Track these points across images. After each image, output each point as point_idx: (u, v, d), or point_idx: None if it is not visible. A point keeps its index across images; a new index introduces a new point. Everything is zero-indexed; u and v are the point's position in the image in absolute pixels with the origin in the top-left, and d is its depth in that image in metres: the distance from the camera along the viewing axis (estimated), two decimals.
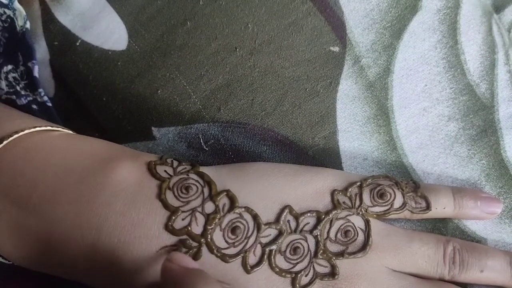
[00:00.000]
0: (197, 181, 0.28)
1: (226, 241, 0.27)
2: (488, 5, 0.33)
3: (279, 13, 0.32)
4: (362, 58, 0.31)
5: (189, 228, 0.27)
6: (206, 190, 0.28)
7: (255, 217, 0.27)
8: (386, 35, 0.32)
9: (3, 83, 0.33)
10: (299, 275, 0.27)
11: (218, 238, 0.27)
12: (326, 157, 0.31)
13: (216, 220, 0.27)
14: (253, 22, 0.32)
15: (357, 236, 0.28)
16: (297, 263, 0.27)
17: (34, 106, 0.33)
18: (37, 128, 0.29)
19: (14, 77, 0.34)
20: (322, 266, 0.27)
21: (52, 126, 0.30)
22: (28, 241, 0.27)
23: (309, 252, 0.27)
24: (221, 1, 0.32)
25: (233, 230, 0.27)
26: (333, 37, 0.32)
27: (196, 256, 0.26)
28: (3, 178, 0.28)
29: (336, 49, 0.32)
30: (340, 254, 0.27)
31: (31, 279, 0.33)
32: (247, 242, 0.27)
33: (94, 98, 0.33)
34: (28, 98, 0.33)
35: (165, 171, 0.28)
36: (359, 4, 0.32)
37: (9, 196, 0.27)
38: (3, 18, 0.33)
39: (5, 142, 0.28)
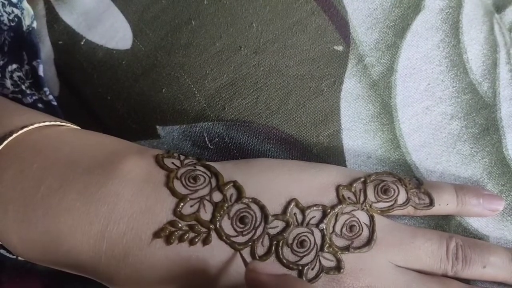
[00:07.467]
0: (204, 172, 0.28)
1: (235, 230, 0.27)
2: (489, 5, 0.33)
3: (283, 12, 0.32)
4: (365, 57, 0.32)
5: (198, 214, 0.27)
6: (213, 181, 0.28)
7: (262, 208, 0.27)
8: (389, 34, 0.32)
9: (8, 82, 0.33)
10: (305, 268, 0.27)
11: (226, 226, 0.27)
12: (330, 155, 0.31)
13: (225, 208, 0.27)
14: (257, 21, 0.32)
15: (362, 231, 0.28)
16: (304, 256, 0.27)
17: (40, 105, 0.33)
18: (46, 123, 0.29)
19: (19, 76, 0.34)
20: (328, 260, 0.27)
21: (61, 122, 0.30)
22: (35, 233, 0.27)
23: (315, 246, 0.27)
24: (226, 0, 0.32)
25: (241, 219, 0.27)
26: (337, 36, 0.32)
27: (205, 241, 0.26)
28: (10, 170, 0.28)
29: (340, 48, 0.32)
30: (346, 249, 0.27)
31: (34, 278, 0.33)
32: (255, 232, 0.27)
33: (99, 97, 0.33)
34: (34, 97, 0.33)
35: (172, 163, 0.28)
36: (363, 4, 0.32)
37: (16, 188, 0.27)
38: (11, 17, 0.33)
39: (14, 135, 0.28)
